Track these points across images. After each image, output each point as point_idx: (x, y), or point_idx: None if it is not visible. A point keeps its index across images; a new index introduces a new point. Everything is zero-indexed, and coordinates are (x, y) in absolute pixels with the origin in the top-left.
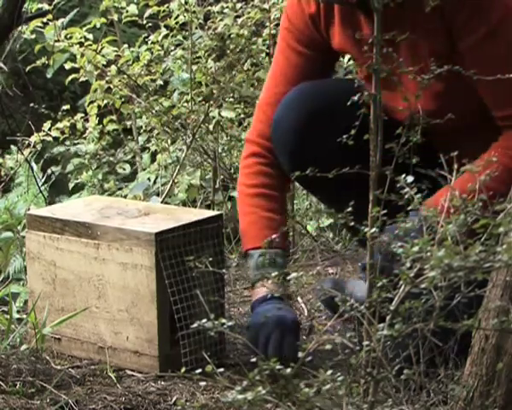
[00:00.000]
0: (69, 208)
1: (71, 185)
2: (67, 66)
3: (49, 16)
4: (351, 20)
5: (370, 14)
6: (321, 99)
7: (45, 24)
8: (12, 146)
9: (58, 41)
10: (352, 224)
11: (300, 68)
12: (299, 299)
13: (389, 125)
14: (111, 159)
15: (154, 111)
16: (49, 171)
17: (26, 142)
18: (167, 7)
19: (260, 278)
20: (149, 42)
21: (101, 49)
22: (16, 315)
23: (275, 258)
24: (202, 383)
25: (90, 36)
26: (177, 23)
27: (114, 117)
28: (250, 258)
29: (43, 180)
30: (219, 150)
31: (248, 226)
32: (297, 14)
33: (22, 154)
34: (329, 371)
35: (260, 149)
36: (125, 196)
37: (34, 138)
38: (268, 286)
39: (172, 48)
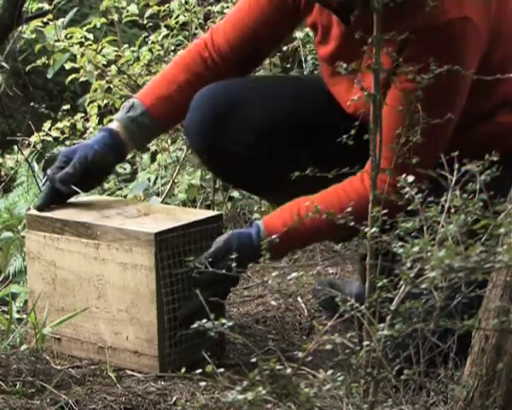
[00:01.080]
0: (69, 208)
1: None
2: (67, 66)
3: (50, 16)
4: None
5: (336, 13)
6: (225, 101)
7: (45, 24)
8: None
9: (58, 41)
10: (352, 224)
11: (256, 25)
12: (299, 299)
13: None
14: None
15: None
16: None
17: (26, 142)
18: (167, 7)
19: None
20: (149, 42)
21: (102, 49)
22: (16, 315)
23: (140, 115)
24: (202, 383)
25: (91, 36)
26: (177, 23)
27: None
28: (127, 103)
29: (44, 180)
30: None
31: (152, 81)
32: None
33: (22, 154)
34: (329, 371)
35: (207, 40)
36: (125, 196)
37: (34, 138)
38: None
39: (173, 48)
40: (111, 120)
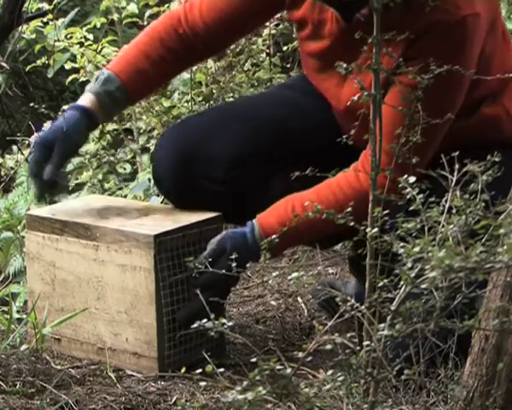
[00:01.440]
0: (69, 209)
1: (71, 185)
2: (67, 66)
3: (50, 16)
4: (320, 6)
5: (340, 11)
6: (190, 140)
7: (45, 24)
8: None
9: (58, 41)
10: (352, 223)
11: (236, 12)
12: (299, 299)
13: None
14: (111, 159)
15: (154, 111)
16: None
17: (26, 142)
18: (167, 7)
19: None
20: None
21: (102, 49)
22: (16, 315)
23: (116, 89)
24: (202, 383)
25: (90, 36)
26: None
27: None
28: (101, 74)
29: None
30: None
31: (125, 52)
32: None
33: (22, 154)
34: (329, 372)
35: (180, 14)
36: (125, 196)
37: (34, 138)
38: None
39: None
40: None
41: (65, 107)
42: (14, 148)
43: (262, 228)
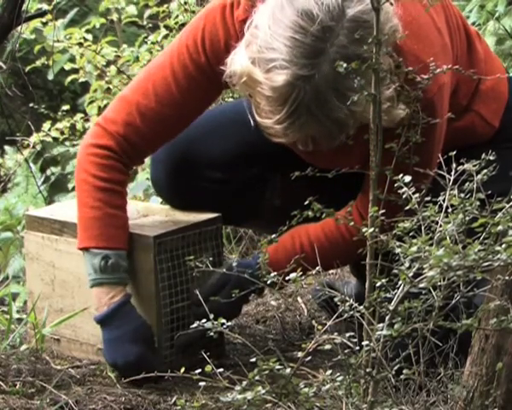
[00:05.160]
0: (68, 209)
1: (71, 186)
2: (67, 66)
3: (49, 16)
4: None
5: None
6: (184, 145)
7: (45, 24)
8: (6, 147)
9: (58, 41)
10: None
11: (194, 102)
12: (299, 299)
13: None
14: None
15: None
16: (48, 172)
17: (26, 142)
18: (167, 7)
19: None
20: (149, 42)
21: (101, 49)
22: (16, 315)
23: (118, 261)
24: (202, 383)
25: (89, 36)
26: (176, 23)
27: None
28: (91, 257)
29: (41, 180)
30: None
31: (92, 222)
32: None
33: (22, 154)
34: (329, 371)
35: (119, 149)
36: None
37: (34, 138)
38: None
39: None
40: None
41: (65, 107)
42: (14, 148)
43: (269, 264)
